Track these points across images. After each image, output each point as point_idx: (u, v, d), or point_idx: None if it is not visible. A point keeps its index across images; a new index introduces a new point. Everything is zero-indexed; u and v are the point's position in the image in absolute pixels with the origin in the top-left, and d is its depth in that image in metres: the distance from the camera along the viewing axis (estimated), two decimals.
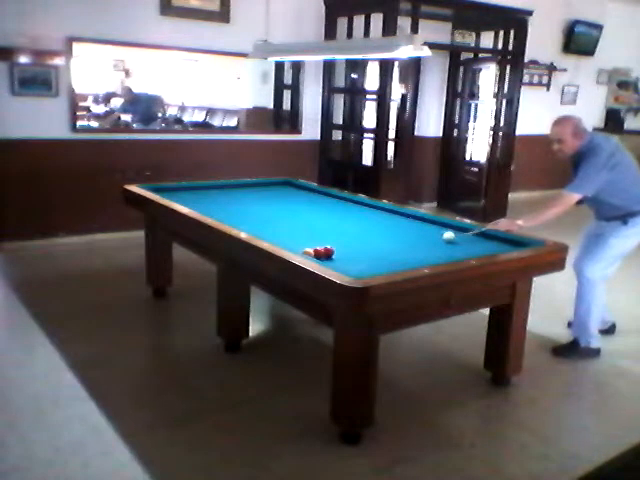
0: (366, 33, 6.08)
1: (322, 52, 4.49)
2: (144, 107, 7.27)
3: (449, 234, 3.14)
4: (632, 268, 3.88)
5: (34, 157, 5.22)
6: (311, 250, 2.72)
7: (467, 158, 7.73)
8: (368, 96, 6.66)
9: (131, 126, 6.81)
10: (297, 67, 6.60)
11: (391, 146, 7.05)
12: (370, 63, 6.50)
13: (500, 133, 7.23)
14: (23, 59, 5.03)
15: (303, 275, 2.54)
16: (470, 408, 3.05)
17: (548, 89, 8.68)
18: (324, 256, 2.68)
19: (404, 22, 5.97)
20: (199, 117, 8.89)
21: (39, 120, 5.20)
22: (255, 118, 7.20)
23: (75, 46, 5.25)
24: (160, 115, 7.74)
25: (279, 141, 6.64)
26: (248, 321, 3.49)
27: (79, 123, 5.65)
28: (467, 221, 3.61)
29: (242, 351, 3.48)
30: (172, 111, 9.05)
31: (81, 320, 3.87)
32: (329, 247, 2.74)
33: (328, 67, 6.56)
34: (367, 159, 6.83)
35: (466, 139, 7.69)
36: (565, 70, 8.75)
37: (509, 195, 7.52)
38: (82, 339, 3.59)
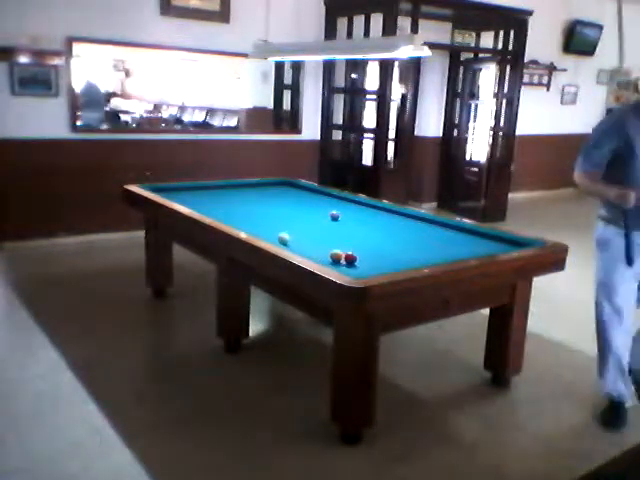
0: (366, 33, 6.09)
1: (322, 52, 4.50)
2: (93, 95, 6.85)
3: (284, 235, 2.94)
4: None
5: (34, 157, 5.22)
6: (342, 253, 2.66)
7: (467, 158, 7.73)
8: (368, 96, 6.66)
9: (127, 126, 6.73)
10: (297, 67, 6.60)
11: (391, 146, 7.04)
12: (370, 63, 6.50)
13: (500, 133, 7.23)
14: (23, 59, 5.02)
15: (303, 275, 2.54)
16: (470, 408, 3.05)
17: (548, 89, 8.67)
18: (348, 262, 2.65)
19: (404, 22, 5.97)
20: (199, 117, 8.89)
21: (39, 120, 5.20)
22: (255, 118, 7.19)
23: (75, 46, 5.26)
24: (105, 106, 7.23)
25: (279, 141, 6.64)
26: (248, 321, 3.49)
27: (79, 123, 5.64)
28: (467, 221, 3.61)
29: (242, 351, 3.48)
30: (172, 111, 9.06)
31: (81, 320, 3.87)
32: (350, 253, 2.67)
33: (328, 67, 6.56)
34: (367, 159, 6.83)
35: (466, 139, 7.69)
36: (565, 70, 8.75)
37: (509, 195, 7.52)
38: (82, 339, 3.59)
